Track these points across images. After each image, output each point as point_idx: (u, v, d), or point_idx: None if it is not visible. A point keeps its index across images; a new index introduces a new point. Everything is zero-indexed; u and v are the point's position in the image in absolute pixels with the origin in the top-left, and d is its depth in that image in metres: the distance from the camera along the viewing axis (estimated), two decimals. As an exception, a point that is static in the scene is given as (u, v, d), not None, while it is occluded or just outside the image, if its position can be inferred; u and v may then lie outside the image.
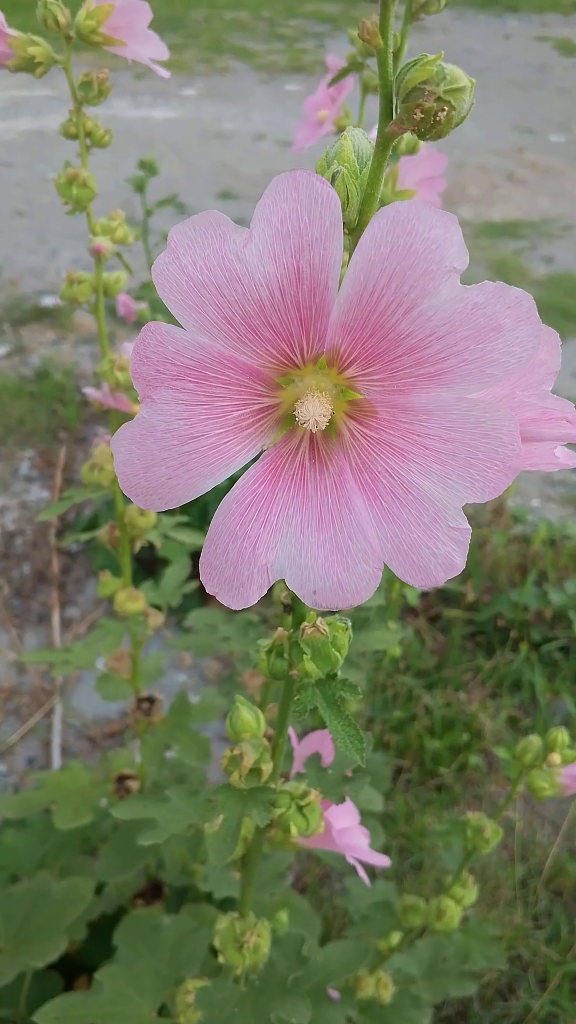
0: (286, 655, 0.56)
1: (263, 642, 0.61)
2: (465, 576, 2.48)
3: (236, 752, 0.61)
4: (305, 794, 0.67)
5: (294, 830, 0.66)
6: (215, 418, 0.42)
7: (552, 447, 0.45)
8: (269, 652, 0.58)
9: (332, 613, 0.57)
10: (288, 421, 0.45)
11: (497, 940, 1.16)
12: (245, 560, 0.43)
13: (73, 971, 1.44)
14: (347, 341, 0.40)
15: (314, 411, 0.42)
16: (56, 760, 2.08)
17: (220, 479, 0.43)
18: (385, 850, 1.85)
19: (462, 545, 0.39)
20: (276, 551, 0.43)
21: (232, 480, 0.44)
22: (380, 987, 1.21)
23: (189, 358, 0.40)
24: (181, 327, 0.40)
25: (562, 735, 0.92)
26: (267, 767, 0.62)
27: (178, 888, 1.48)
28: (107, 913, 1.40)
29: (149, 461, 0.41)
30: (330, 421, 0.44)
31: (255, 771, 0.61)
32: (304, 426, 0.43)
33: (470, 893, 1.09)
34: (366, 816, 1.31)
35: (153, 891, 1.46)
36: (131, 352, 0.39)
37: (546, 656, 2.31)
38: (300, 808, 0.66)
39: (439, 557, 0.40)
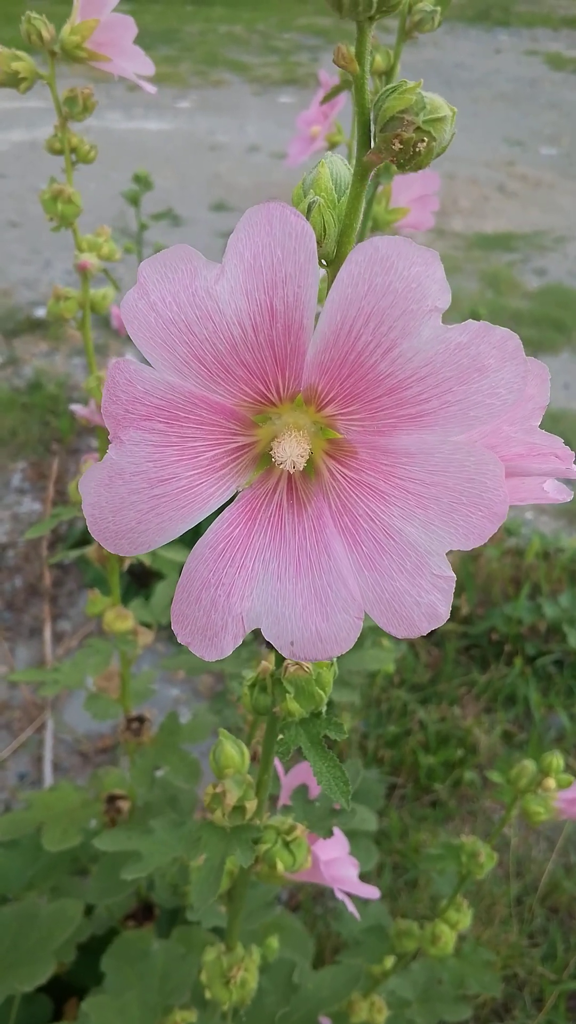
0: (269, 691, 0.54)
1: (247, 673, 0.59)
2: (459, 589, 2.47)
3: (219, 790, 0.59)
4: (292, 829, 0.65)
5: (280, 866, 0.64)
6: (187, 459, 0.40)
7: (541, 482, 0.43)
8: (252, 686, 0.56)
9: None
10: (265, 460, 0.43)
11: (492, 965, 1.14)
12: (219, 609, 0.40)
13: (63, 993, 1.42)
14: (324, 380, 0.39)
15: (291, 451, 0.40)
16: (48, 776, 2.05)
17: (193, 523, 0.41)
18: (379, 868, 1.83)
19: (446, 594, 0.37)
20: (252, 599, 0.41)
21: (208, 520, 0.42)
22: (374, 1011, 1.19)
23: (158, 398, 0.38)
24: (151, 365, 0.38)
25: (557, 759, 0.90)
26: (251, 804, 0.60)
27: (169, 910, 1.46)
28: (97, 935, 1.38)
29: (118, 505, 0.39)
30: (309, 460, 0.42)
31: (239, 809, 0.59)
32: (281, 466, 0.41)
33: (465, 917, 1.07)
34: (360, 836, 1.29)
35: (144, 912, 1.44)
36: (102, 390, 0.37)
37: (540, 670, 2.30)
38: (286, 843, 0.64)
39: (423, 606, 0.38)
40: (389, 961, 1.18)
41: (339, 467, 0.42)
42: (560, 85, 8.25)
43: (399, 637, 0.38)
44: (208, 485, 0.41)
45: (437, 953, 1.06)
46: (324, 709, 0.52)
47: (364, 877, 1.54)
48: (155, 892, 1.40)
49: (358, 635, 0.38)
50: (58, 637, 2.45)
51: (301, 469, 0.42)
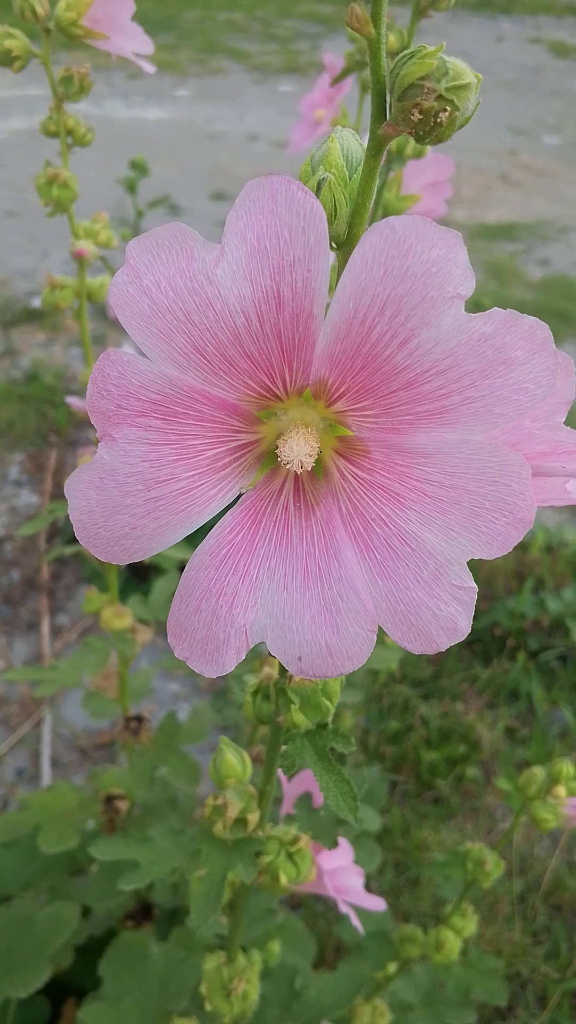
0: (273, 700, 0.51)
1: (249, 679, 0.56)
2: (462, 583, 2.44)
3: (220, 801, 0.57)
4: (295, 840, 0.62)
5: (283, 879, 0.61)
6: (186, 459, 0.37)
7: (564, 482, 0.40)
8: (255, 694, 0.53)
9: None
10: (270, 459, 0.40)
11: (498, 973, 1.12)
12: (221, 621, 0.37)
13: (61, 993, 1.40)
14: (335, 373, 0.35)
15: (299, 450, 0.37)
16: (45, 771, 2.03)
17: (193, 527, 0.37)
18: (381, 866, 1.81)
19: (467, 606, 0.34)
20: (256, 610, 0.37)
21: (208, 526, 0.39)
22: (376, 1015, 1.16)
23: (155, 392, 0.35)
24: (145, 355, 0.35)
25: (568, 767, 0.87)
26: (253, 816, 0.57)
27: (168, 909, 1.44)
28: (96, 935, 1.36)
29: (110, 509, 0.36)
30: (318, 458, 0.39)
31: (240, 821, 0.57)
32: (288, 467, 0.38)
33: (470, 923, 1.05)
34: (363, 836, 1.27)
35: (143, 912, 1.42)
36: (88, 384, 0.34)
37: (544, 665, 2.27)
38: (290, 855, 0.61)
39: (441, 619, 0.34)
40: (392, 966, 1.16)
41: (350, 467, 0.39)
42: (564, 73, 8.18)
43: (415, 652, 0.35)
44: (209, 487, 0.38)
45: (441, 960, 1.04)
46: (331, 720, 0.49)
47: (366, 876, 1.52)
48: (154, 892, 1.38)
49: (371, 650, 0.35)
50: (56, 631, 2.42)
51: (309, 469, 0.38)
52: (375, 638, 0.36)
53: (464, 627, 0.34)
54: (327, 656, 0.36)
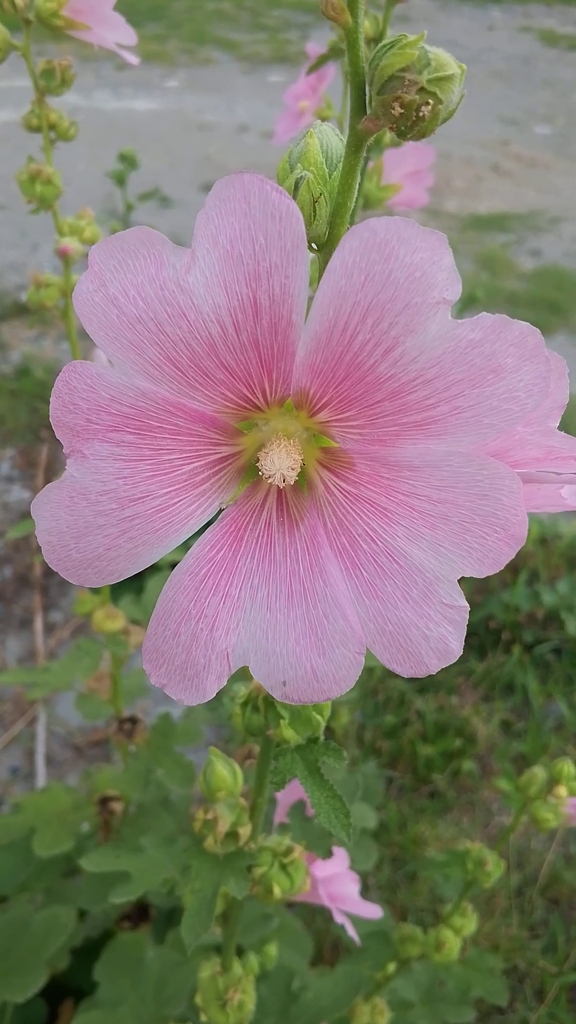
0: (262, 713, 0.49)
1: (239, 688, 0.55)
2: (457, 576, 2.43)
3: (210, 816, 0.55)
4: (289, 851, 0.60)
5: (277, 891, 0.60)
6: (162, 474, 0.35)
7: (559, 488, 0.39)
8: (244, 705, 0.52)
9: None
10: (251, 472, 0.38)
11: (497, 972, 1.11)
12: (201, 644, 0.35)
13: (58, 994, 1.39)
14: (317, 383, 0.33)
15: (281, 463, 0.35)
16: (40, 770, 2.02)
17: (171, 547, 0.35)
18: (378, 861, 1.81)
19: (459, 627, 0.32)
20: (238, 632, 0.35)
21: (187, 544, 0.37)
22: (376, 1014, 1.16)
23: (128, 406, 0.33)
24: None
25: (568, 766, 0.86)
26: (245, 830, 0.56)
27: (165, 910, 1.43)
28: (92, 936, 1.35)
29: (82, 529, 0.34)
30: (301, 470, 0.37)
31: (232, 835, 0.55)
32: (270, 480, 0.36)
33: (469, 923, 1.04)
34: (359, 834, 1.26)
35: (139, 913, 1.41)
36: (52, 397, 0.32)
37: (538, 658, 2.26)
38: (283, 866, 0.60)
39: (431, 640, 0.33)
40: (392, 966, 1.15)
41: (335, 480, 0.37)
42: (554, 62, 8.14)
43: (404, 675, 0.33)
44: (187, 503, 0.36)
45: (442, 959, 1.03)
46: (322, 734, 0.48)
47: (363, 873, 1.51)
48: (150, 893, 1.37)
49: (359, 673, 0.33)
50: (49, 628, 2.41)
51: (292, 483, 0.36)
52: (363, 660, 0.34)
53: (456, 649, 0.32)
54: (313, 680, 0.35)
